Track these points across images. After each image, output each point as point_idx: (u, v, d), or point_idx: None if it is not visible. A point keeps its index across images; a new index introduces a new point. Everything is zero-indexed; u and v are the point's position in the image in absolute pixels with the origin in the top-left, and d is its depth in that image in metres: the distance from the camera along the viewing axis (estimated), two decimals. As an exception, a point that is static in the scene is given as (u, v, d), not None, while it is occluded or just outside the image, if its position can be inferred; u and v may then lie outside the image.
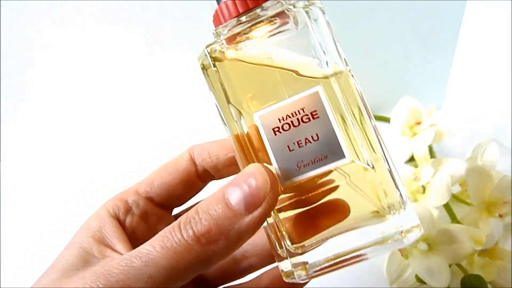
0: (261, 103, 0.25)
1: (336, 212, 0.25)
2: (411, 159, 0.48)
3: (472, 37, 0.49)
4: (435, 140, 0.47)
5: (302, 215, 0.26)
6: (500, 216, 0.40)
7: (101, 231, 0.27)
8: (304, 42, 0.25)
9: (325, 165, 0.24)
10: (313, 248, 0.25)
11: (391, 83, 0.58)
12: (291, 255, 0.25)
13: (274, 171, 0.25)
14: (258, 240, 0.32)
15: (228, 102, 0.26)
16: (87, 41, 0.59)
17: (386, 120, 0.53)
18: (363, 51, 0.53)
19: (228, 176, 0.32)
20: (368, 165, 0.24)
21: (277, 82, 0.25)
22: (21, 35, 0.59)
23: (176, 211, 0.33)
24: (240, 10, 0.25)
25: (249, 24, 0.25)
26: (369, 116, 0.25)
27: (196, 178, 0.31)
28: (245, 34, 0.26)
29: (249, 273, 0.33)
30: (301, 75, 0.25)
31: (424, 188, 0.42)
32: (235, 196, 0.23)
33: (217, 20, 0.26)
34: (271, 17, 0.25)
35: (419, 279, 0.40)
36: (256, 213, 0.22)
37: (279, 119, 0.25)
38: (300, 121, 0.24)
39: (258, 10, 0.26)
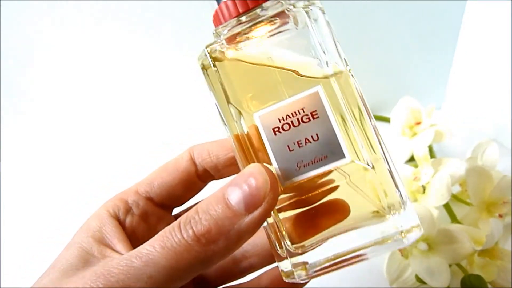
0: (261, 103, 0.25)
1: (336, 212, 0.25)
2: (411, 159, 0.48)
3: (472, 37, 0.49)
4: (435, 140, 0.47)
5: (302, 215, 0.26)
6: (500, 216, 0.40)
7: (101, 231, 0.27)
8: (304, 42, 0.25)
9: (325, 165, 0.24)
10: (313, 248, 0.25)
11: (391, 83, 0.58)
12: (291, 255, 0.25)
13: (274, 171, 0.25)
14: (258, 240, 0.32)
15: (228, 102, 0.26)
16: (87, 41, 0.59)
17: (386, 120, 0.53)
18: (363, 51, 0.53)
19: (228, 176, 0.32)
20: (368, 165, 0.24)
21: (277, 82, 0.25)
22: (21, 35, 0.59)
23: (176, 211, 0.33)
24: (240, 10, 0.25)
25: (249, 24, 0.25)
26: (369, 116, 0.25)
27: (196, 178, 0.31)
28: (245, 34, 0.25)
29: (249, 273, 0.33)
30: (301, 75, 0.25)
31: (424, 188, 0.42)
32: (235, 196, 0.23)
33: (217, 20, 0.26)
34: (271, 17, 0.25)
35: (419, 279, 0.40)
36: (256, 213, 0.22)
37: (279, 119, 0.25)
38: (300, 121, 0.24)
39: (258, 10, 0.26)
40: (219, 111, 0.27)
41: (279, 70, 0.25)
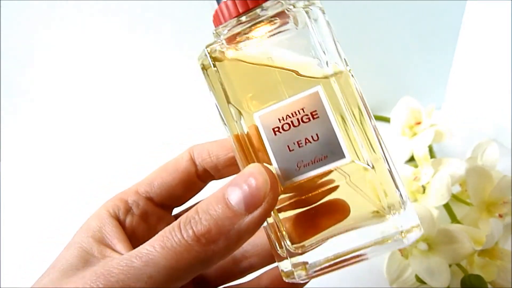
0: (261, 103, 0.25)
1: (336, 212, 0.25)
2: (411, 159, 0.48)
3: (472, 37, 0.49)
4: (435, 140, 0.47)
5: (302, 215, 0.26)
6: (500, 216, 0.40)
7: (101, 231, 0.27)
8: (304, 42, 0.25)
9: (325, 165, 0.24)
10: (313, 248, 0.25)
11: (391, 83, 0.58)
12: (291, 255, 0.25)
13: (274, 171, 0.25)
14: (258, 240, 0.32)
15: (228, 102, 0.26)
16: (87, 41, 0.59)
17: (386, 120, 0.53)
18: (363, 51, 0.53)
19: (228, 176, 0.32)
20: (368, 165, 0.24)
21: (277, 82, 0.25)
22: (21, 35, 0.59)
23: (176, 211, 0.33)
24: (240, 10, 0.25)
25: (249, 24, 0.25)
26: (369, 116, 0.25)
27: (196, 178, 0.31)
28: (245, 34, 0.25)
29: (249, 273, 0.33)
30: (301, 75, 0.25)
31: (424, 188, 0.42)
32: (235, 196, 0.23)
33: (217, 20, 0.26)
34: (271, 17, 0.25)
35: (419, 279, 0.40)
36: (256, 213, 0.22)
37: (279, 119, 0.25)
38: (300, 121, 0.24)
39: (258, 10, 0.26)
40: (219, 111, 0.27)
41: (279, 70, 0.25)
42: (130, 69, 0.62)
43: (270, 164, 0.25)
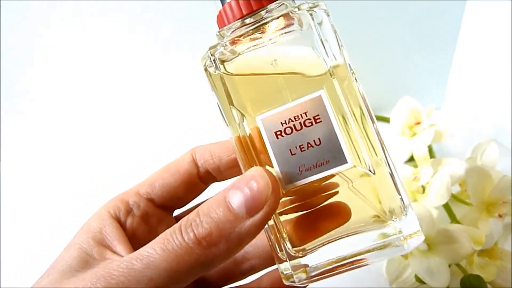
0: (263, 106, 0.25)
1: (337, 215, 0.25)
2: (411, 159, 0.48)
3: (472, 37, 0.49)
4: (434, 140, 0.47)
5: (303, 218, 0.26)
6: (500, 216, 0.40)
7: (102, 232, 0.27)
8: (308, 44, 0.25)
9: (327, 169, 0.24)
10: (314, 251, 0.25)
11: (391, 83, 0.58)
12: (292, 258, 0.25)
13: (275, 175, 0.25)
14: (259, 242, 0.32)
15: (231, 104, 0.26)
16: (87, 41, 0.59)
17: (386, 120, 0.53)
18: (363, 51, 0.53)
19: (230, 178, 0.32)
20: (370, 170, 0.24)
21: (280, 85, 0.25)
22: (21, 35, 0.59)
23: (177, 212, 0.33)
24: (244, 12, 0.25)
25: (253, 26, 0.25)
26: (372, 121, 0.25)
27: (197, 180, 0.31)
28: (249, 36, 0.25)
29: (250, 275, 0.33)
30: (307, 77, 0.25)
31: (423, 188, 0.42)
32: (237, 199, 0.23)
33: (221, 22, 0.26)
34: (276, 19, 0.25)
35: (418, 279, 0.40)
36: (257, 216, 0.22)
37: (281, 123, 0.25)
38: (303, 125, 0.24)
39: (262, 12, 0.25)
40: (221, 113, 0.26)
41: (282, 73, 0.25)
42: (130, 69, 0.62)
43: (272, 167, 0.25)
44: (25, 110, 0.66)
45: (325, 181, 0.25)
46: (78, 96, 0.64)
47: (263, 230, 0.25)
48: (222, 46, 0.26)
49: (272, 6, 0.25)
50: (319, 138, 0.24)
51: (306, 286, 0.27)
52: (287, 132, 0.24)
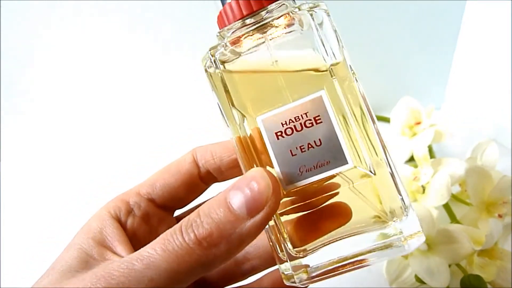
0: (264, 106, 0.25)
1: (338, 215, 0.25)
2: (411, 159, 0.48)
3: (472, 37, 0.49)
4: (434, 140, 0.47)
5: (304, 218, 0.26)
6: (500, 216, 0.40)
7: (102, 233, 0.27)
8: (309, 44, 0.25)
9: (327, 170, 0.24)
10: (315, 252, 0.25)
11: (391, 83, 0.58)
12: (292, 258, 0.25)
13: (276, 175, 0.25)
14: (260, 242, 0.32)
15: (232, 104, 0.26)
16: (87, 41, 0.59)
17: (386, 120, 0.53)
18: (363, 51, 0.53)
19: (231, 178, 0.31)
20: (371, 171, 0.24)
21: (280, 86, 0.25)
22: (21, 35, 0.59)
23: (177, 212, 0.33)
24: (244, 13, 0.25)
25: (254, 27, 0.25)
26: (372, 121, 0.25)
27: (198, 180, 0.31)
28: (250, 36, 0.25)
29: (251, 275, 0.33)
30: (308, 76, 0.25)
31: (423, 188, 0.42)
32: (237, 200, 0.23)
33: (221, 22, 0.26)
34: (276, 19, 0.25)
35: (418, 279, 0.40)
36: (258, 217, 0.22)
37: (282, 124, 0.24)
38: (303, 125, 0.24)
39: (263, 13, 0.25)
40: (222, 114, 0.26)
41: (283, 74, 0.25)
42: (130, 69, 0.62)
43: (273, 167, 0.25)
44: (25, 110, 0.65)
45: (326, 181, 0.25)
46: (78, 96, 0.64)
47: (263, 231, 0.25)
48: (223, 46, 0.26)
49: (272, 6, 0.25)
50: (319, 139, 0.24)
51: (307, 286, 0.27)
52: (288, 133, 0.24)
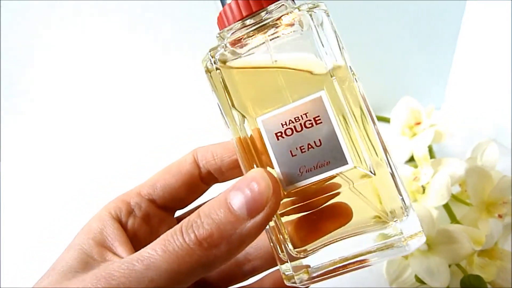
0: (264, 107, 0.25)
1: (339, 215, 0.25)
2: (411, 159, 0.48)
3: (472, 37, 0.49)
4: (434, 140, 0.47)
5: (305, 219, 0.26)
6: (500, 216, 0.40)
7: (102, 233, 0.27)
8: (309, 45, 0.25)
9: (327, 170, 0.24)
10: (315, 252, 0.25)
11: (391, 83, 0.58)
12: (293, 258, 0.25)
13: (276, 176, 0.25)
14: (261, 243, 0.32)
15: (232, 105, 0.26)
16: (87, 41, 0.59)
17: (386, 120, 0.53)
18: (363, 51, 0.53)
19: (232, 178, 0.32)
20: (371, 171, 0.24)
21: (280, 86, 0.25)
22: (21, 35, 0.59)
23: (178, 213, 0.33)
24: (244, 13, 0.25)
25: (254, 27, 0.25)
26: (372, 121, 0.25)
27: (199, 181, 0.31)
28: (250, 37, 0.25)
29: (251, 276, 0.33)
30: (313, 74, 0.25)
31: (423, 188, 0.42)
32: (237, 201, 0.23)
33: (221, 23, 0.26)
34: (276, 20, 0.25)
35: (418, 279, 0.40)
36: (258, 218, 0.23)
37: (282, 124, 0.25)
38: (303, 126, 0.24)
39: (262, 13, 0.25)
40: (222, 114, 0.26)
41: (283, 74, 0.25)
42: (130, 69, 0.62)
43: (273, 168, 0.25)
44: (25, 110, 0.66)
45: (326, 182, 0.25)
46: (78, 96, 0.64)
47: (264, 231, 0.25)
48: (223, 47, 0.26)
49: (272, 7, 0.25)
50: (319, 139, 0.24)
51: (308, 286, 0.27)
52: (288, 134, 0.24)
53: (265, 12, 0.25)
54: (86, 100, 0.64)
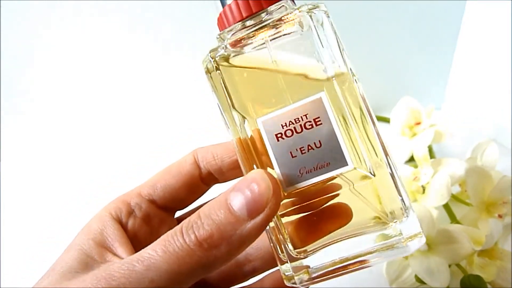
0: (264, 108, 0.25)
1: (339, 216, 0.25)
2: (411, 159, 0.48)
3: (472, 37, 0.49)
4: (434, 140, 0.47)
5: (305, 219, 0.26)
6: (500, 216, 0.40)
7: (103, 234, 0.27)
8: (308, 45, 0.25)
9: (327, 172, 0.24)
10: (315, 253, 0.25)
11: (391, 83, 0.58)
12: (293, 259, 0.25)
13: (276, 177, 0.25)
14: (261, 243, 0.32)
15: (232, 106, 0.26)
16: (87, 41, 0.59)
17: (386, 120, 0.53)
18: (363, 51, 0.53)
19: (232, 179, 0.31)
20: (371, 172, 0.24)
21: (281, 87, 0.25)
22: (21, 35, 0.59)
23: (178, 213, 0.33)
24: (244, 15, 0.25)
25: (254, 28, 0.25)
26: (372, 122, 0.25)
27: (199, 181, 0.31)
28: (250, 38, 0.25)
29: (252, 277, 0.33)
30: (309, 78, 0.25)
31: (423, 188, 0.42)
32: (238, 202, 0.23)
33: (221, 24, 0.26)
34: (276, 21, 0.25)
35: (418, 279, 0.40)
36: (258, 219, 0.23)
37: (282, 125, 0.25)
38: (303, 127, 0.24)
39: (262, 15, 0.25)
40: (222, 115, 0.26)
41: (283, 75, 0.25)
42: (130, 69, 0.62)
43: (273, 168, 0.25)
44: (25, 110, 0.65)
45: (326, 183, 0.25)
46: (78, 96, 0.64)
47: (264, 232, 0.25)
48: (223, 48, 0.26)
49: (272, 8, 0.25)
50: (319, 141, 0.24)
51: (308, 287, 0.27)
52: (288, 135, 0.24)
53: (265, 13, 0.25)
54: (86, 100, 0.64)
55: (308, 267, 0.25)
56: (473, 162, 0.44)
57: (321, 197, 0.25)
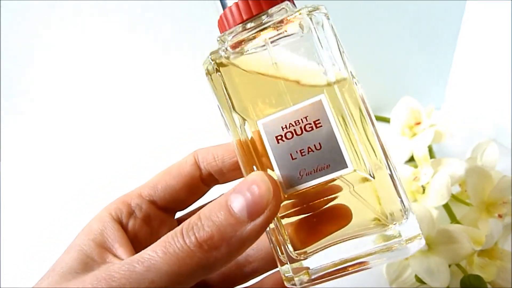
0: (264, 110, 0.25)
1: (338, 217, 0.25)
2: (411, 159, 0.48)
3: (472, 37, 0.49)
4: (434, 140, 0.47)
5: (305, 221, 0.26)
6: (500, 216, 0.40)
7: (103, 234, 0.27)
8: (309, 47, 0.25)
9: (327, 174, 0.24)
10: (315, 254, 0.25)
11: (391, 83, 0.58)
12: (293, 260, 0.25)
13: (276, 179, 0.25)
14: (261, 244, 0.32)
15: (232, 108, 0.26)
16: (87, 41, 0.59)
17: (386, 120, 0.53)
18: (363, 51, 0.53)
19: (232, 180, 0.32)
20: (371, 174, 0.24)
21: (281, 89, 0.25)
22: (21, 35, 0.59)
23: (178, 214, 0.33)
24: (245, 17, 0.25)
25: (254, 31, 0.25)
26: (372, 125, 0.25)
27: (200, 182, 0.31)
28: (250, 40, 0.25)
29: (252, 278, 0.33)
30: (303, 85, 0.25)
31: (423, 188, 0.42)
32: (238, 203, 0.23)
33: (222, 26, 0.26)
34: (276, 23, 0.25)
35: (418, 279, 0.40)
36: (259, 220, 0.23)
37: (282, 127, 0.25)
38: (303, 129, 0.24)
39: (263, 17, 0.25)
40: (222, 117, 0.27)
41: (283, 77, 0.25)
42: (130, 69, 0.61)
43: (273, 170, 0.25)
44: (25, 110, 0.65)
45: (326, 185, 0.25)
46: (78, 96, 0.64)
47: (264, 233, 0.25)
48: (223, 51, 0.26)
49: (272, 10, 0.25)
50: (319, 143, 0.24)
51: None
52: (288, 137, 0.24)
53: (265, 15, 0.25)
54: (86, 100, 0.64)
55: (308, 268, 0.25)
56: (473, 162, 0.44)
57: (321, 199, 0.25)
